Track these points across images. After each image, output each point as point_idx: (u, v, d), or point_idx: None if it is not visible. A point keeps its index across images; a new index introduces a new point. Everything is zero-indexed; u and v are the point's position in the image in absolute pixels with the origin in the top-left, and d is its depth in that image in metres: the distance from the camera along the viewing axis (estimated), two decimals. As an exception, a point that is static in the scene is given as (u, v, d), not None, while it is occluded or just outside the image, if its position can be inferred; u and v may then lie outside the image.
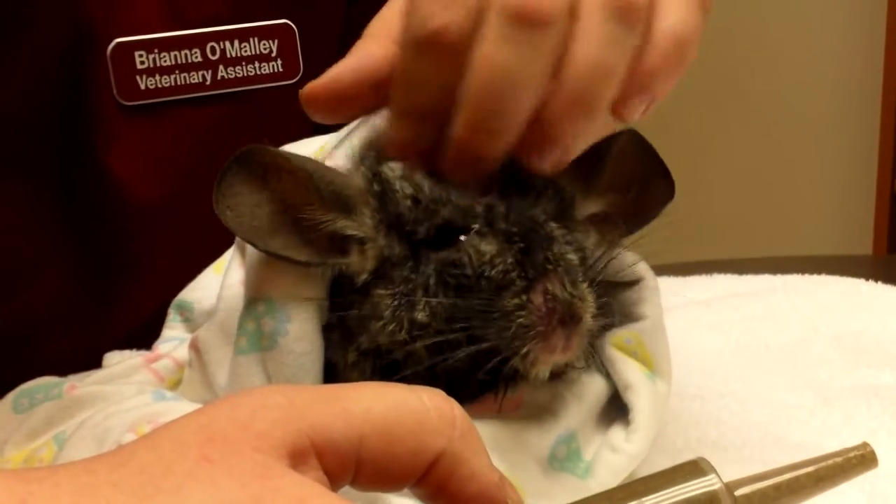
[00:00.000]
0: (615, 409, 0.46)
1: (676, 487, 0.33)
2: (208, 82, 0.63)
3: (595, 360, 0.45)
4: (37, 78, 0.60)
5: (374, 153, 0.44)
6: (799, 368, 0.67)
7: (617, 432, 0.44)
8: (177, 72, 0.62)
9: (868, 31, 2.24)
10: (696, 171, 2.33)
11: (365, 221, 0.43)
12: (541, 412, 0.43)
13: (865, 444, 0.37)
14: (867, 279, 0.82)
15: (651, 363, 0.46)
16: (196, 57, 0.62)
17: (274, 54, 0.64)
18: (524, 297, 0.40)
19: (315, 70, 0.66)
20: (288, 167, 0.42)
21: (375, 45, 0.44)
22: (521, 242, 0.41)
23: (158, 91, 0.62)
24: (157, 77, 0.61)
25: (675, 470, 0.34)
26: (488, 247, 0.41)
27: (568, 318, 0.40)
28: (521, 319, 0.40)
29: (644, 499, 0.33)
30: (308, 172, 0.42)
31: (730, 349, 0.71)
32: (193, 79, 0.62)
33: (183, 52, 0.62)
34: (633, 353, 0.45)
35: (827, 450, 0.54)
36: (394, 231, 0.43)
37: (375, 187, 0.43)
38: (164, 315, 0.55)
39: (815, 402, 0.62)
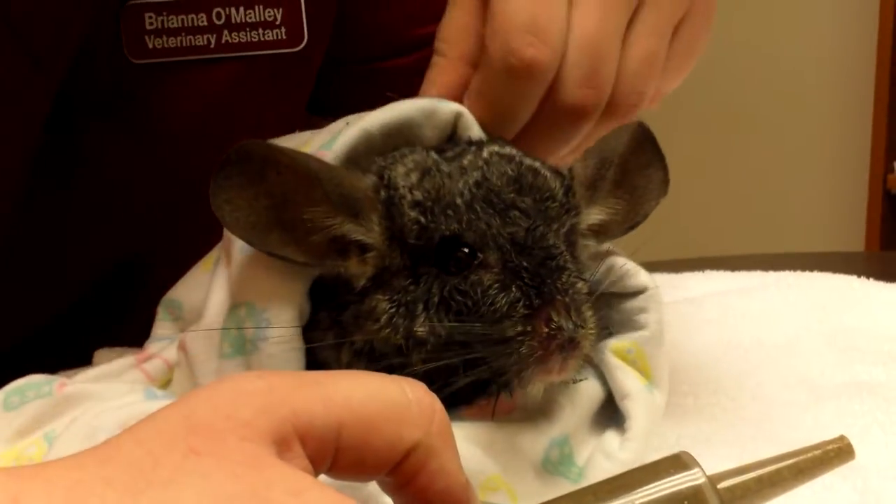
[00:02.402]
0: (608, 413, 0.46)
1: (661, 482, 0.34)
2: (212, 45, 0.65)
3: (590, 366, 0.45)
4: (62, 47, 0.61)
5: (381, 158, 0.44)
6: (791, 365, 0.67)
7: (611, 439, 0.44)
8: (183, 34, 0.64)
9: (860, 29, 2.25)
10: (689, 169, 2.33)
11: (373, 228, 0.43)
12: (535, 415, 0.43)
13: (843, 437, 0.38)
14: (859, 276, 0.82)
15: (650, 374, 0.46)
16: (202, 21, 0.64)
17: (278, 22, 0.66)
18: (527, 326, 0.40)
19: (318, 37, 0.68)
20: (288, 162, 0.42)
21: (450, 71, 0.50)
22: (530, 277, 0.41)
23: (165, 51, 0.64)
24: (165, 38, 0.64)
25: (658, 464, 0.34)
26: (496, 282, 0.41)
27: (567, 343, 0.40)
28: (522, 347, 0.40)
29: (629, 493, 0.33)
30: (314, 172, 0.42)
31: (723, 346, 0.71)
32: (199, 41, 0.64)
33: (189, 16, 0.64)
34: (632, 363, 0.45)
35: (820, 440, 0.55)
36: (396, 240, 0.42)
37: (382, 194, 0.43)
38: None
39: (808, 399, 0.62)
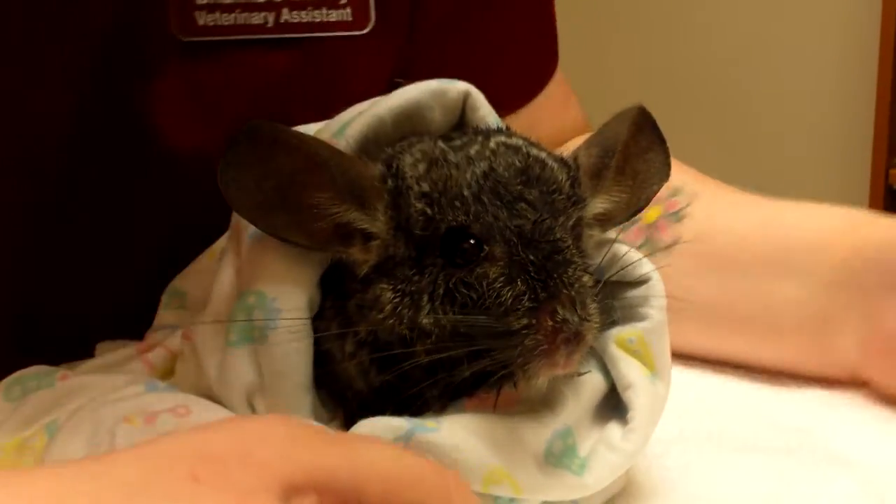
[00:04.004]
0: (610, 405, 0.46)
1: None
2: (270, 24, 0.60)
3: (593, 357, 0.45)
4: (94, 16, 0.58)
5: (389, 147, 0.44)
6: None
7: (614, 430, 0.44)
8: (237, 11, 0.59)
9: (862, 24, 2.24)
10: (690, 164, 2.33)
11: (378, 217, 0.43)
12: (538, 407, 0.43)
13: None
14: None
15: (652, 365, 0.45)
16: None
17: (343, 1, 0.62)
18: (532, 319, 0.40)
19: (388, 23, 0.63)
20: (297, 145, 0.42)
21: None
22: (536, 271, 0.40)
23: (217, 29, 0.59)
24: (217, 14, 0.59)
25: None
26: (501, 275, 0.41)
27: (572, 337, 0.40)
28: (527, 340, 0.40)
29: None
30: (323, 157, 0.42)
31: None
32: (254, 20, 0.60)
33: None
34: (635, 353, 0.45)
35: (822, 435, 0.55)
36: (401, 230, 0.42)
37: (390, 183, 0.43)
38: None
39: (811, 391, 0.62)
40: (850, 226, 0.63)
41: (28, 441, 0.47)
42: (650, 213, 0.67)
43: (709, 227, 0.65)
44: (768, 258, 0.63)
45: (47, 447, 0.46)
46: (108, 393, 0.47)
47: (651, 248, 0.64)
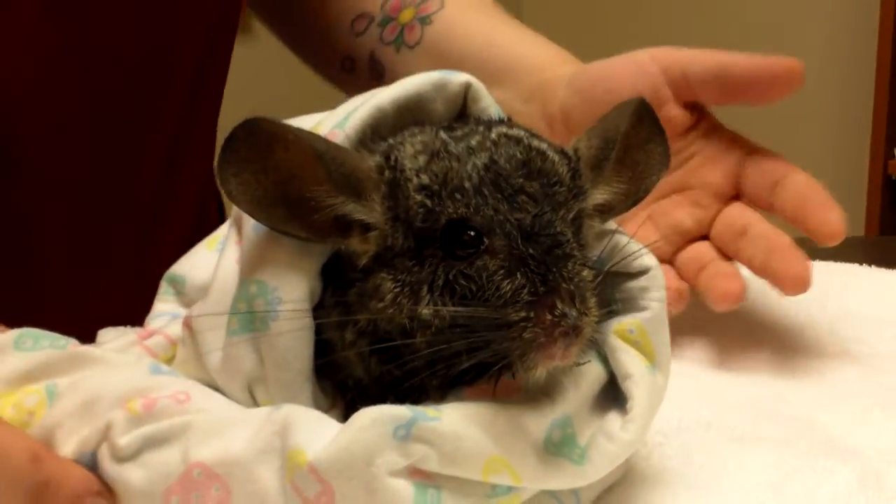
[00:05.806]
0: (610, 395, 0.46)
1: None
2: None
3: (593, 347, 0.45)
4: None
5: (390, 139, 0.44)
6: (793, 350, 0.68)
7: (613, 420, 0.44)
8: None
9: (861, 15, 2.24)
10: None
11: (374, 208, 0.43)
12: (537, 396, 0.43)
13: None
14: (860, 260, 0.82)
15: (652, 355, 0.46)
16: None
17: None
18: (531, 312, 0.40)
19: None
20: (293, 139, 0.42)
21: None
22: (536, 265, 0.40)
23: None
24: None
25: None
26: (501, 268, 0.41)
27: (571, 330, 0.40)
28: (525, 333, 0.40)
29: None
30: (318, 151, 0.42)
31: (725, 331, 0.71)
32: None
33: None
34: (635, 343, 0.45)
35: (821, 425, 0.55)
36: (400, 221, 0.42)
37: (387, 174, 0.43)
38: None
39: (810, 382, 0.63)
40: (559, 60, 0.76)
41: (27, 399, 0.46)
42: (405, 14, 0.81)
43: (447, 35, 0.79)
44: (486, 70, 0.73)
45: (46, 414, 0.45)
46: (114, 368, 0.47)
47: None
